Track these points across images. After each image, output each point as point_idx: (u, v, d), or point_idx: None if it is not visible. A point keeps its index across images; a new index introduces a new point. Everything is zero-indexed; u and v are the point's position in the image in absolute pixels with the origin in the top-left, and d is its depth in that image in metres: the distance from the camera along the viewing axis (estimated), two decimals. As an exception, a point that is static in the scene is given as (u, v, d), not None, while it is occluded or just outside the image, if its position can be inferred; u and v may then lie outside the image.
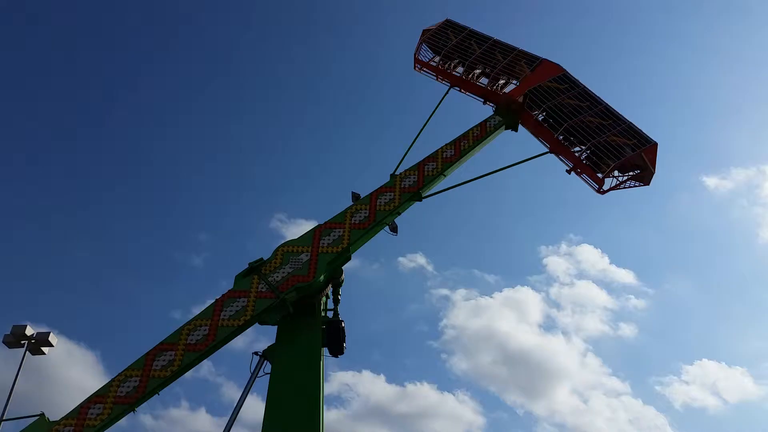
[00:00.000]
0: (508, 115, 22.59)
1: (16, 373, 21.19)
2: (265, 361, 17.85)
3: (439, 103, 23.11)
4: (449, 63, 25.09)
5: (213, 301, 17.32)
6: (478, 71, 24.56)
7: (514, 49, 24.17)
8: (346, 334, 18.79)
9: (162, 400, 16.66)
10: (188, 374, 16.62)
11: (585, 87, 22.57)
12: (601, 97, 22.16)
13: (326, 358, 18.58)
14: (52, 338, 22.97)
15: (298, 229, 19.81)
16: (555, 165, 21.63)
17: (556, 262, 68.82)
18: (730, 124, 74.09)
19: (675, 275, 70.35)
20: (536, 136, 22.44)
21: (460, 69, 24.92)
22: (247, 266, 18.04)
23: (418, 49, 25.58)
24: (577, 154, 21.80)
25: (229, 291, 17.48)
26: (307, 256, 18.43)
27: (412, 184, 19.83)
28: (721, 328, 68.11)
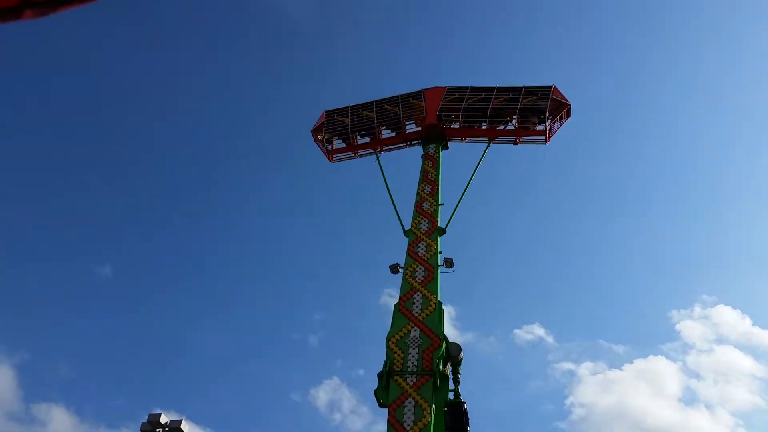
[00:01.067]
0: (437, 139, 25.24)
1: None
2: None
3: (382, 170, 24.17)
4: (354, 139, 26.87)
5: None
6: (382, 128, 26.89)
7: (396, 97, 27.38)
8: (468, 415, 17.97)
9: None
10: None
11: (471, 86, 26.33)
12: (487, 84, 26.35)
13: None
14: (184, 425, 23.88)
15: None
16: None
17: (690, 327, 62.63)
18: None
19: None
20: (469, 138, 25.53)
21: (367, 138, 26.75)
22: (377, 378, 17.74)
23: (323, 145, 26.95)
24: (508, 129, 25.19)
25: (391, 404, 17.16)
26: (415, 329, 18.19)
27: (430, 226, 20.98)
28: None
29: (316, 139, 27.87)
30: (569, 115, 25.13)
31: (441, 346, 17.41)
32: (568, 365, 65.17)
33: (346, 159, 27.78)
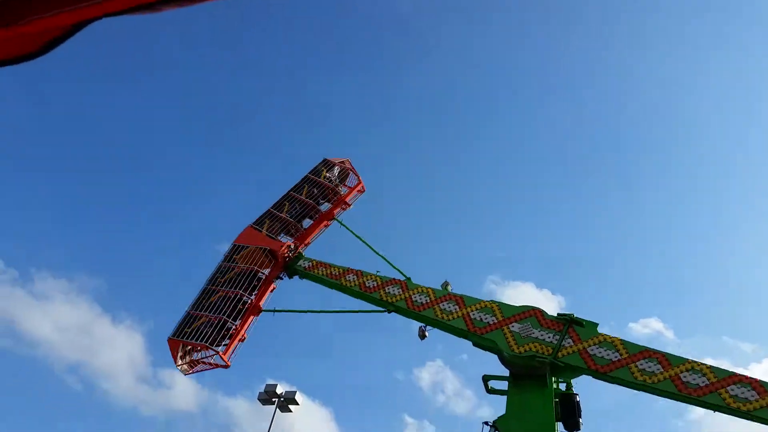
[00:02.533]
0: (287, 270, 26.40)
1: (268, 428, 23.23)
2: (495, 430, 17.37)
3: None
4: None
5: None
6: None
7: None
8: (581, 408, 17.53)
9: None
10: None
11: (268, 210, 28.26)
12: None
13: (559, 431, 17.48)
14: (299, 397, 25.04)
15: (513, 291, 19.87)
16: None
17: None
18: None
19: None
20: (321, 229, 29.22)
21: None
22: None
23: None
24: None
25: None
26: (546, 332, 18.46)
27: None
28: None
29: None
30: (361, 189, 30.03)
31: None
32: (689, 364, 61.70)
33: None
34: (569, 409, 17.52)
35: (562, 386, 18.36)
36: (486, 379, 18.77)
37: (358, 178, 29.82)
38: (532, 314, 18.99)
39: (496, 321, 19.36)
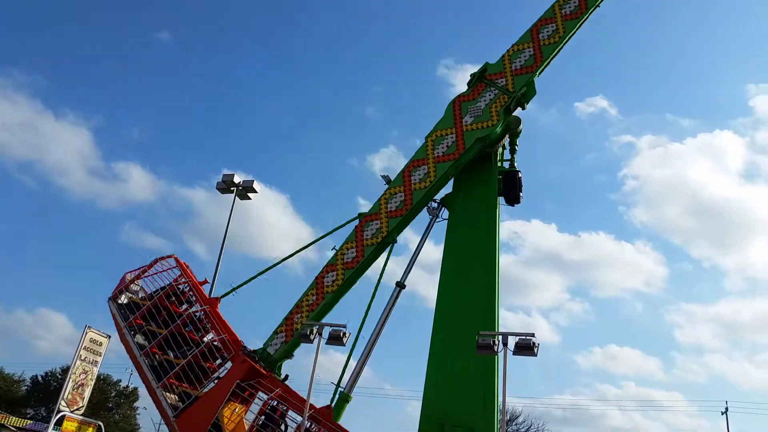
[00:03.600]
0: None
1: (229, 215, 24.21)
2: (443, 208, 18.75)
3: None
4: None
5: (400, 171, 18.71)
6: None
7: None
8: (522, 184, 18.84)
9: (344, 238, 18.66)
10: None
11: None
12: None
13: (501, 207, 18.96)
14: (256, 185, 25.81)
15: (465, 75, 19.56)
16: None
17: (766, 102, 59.85)
18: None
19: None
20: None
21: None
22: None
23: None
24: None
25: (412, 162, 18.52)
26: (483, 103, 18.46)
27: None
28: None
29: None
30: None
31: (489, 132, 17.98)
32: (628, 138, 64.39)
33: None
34: (510, 184, 18.77)
35: (506, 165, 19.46)
36: None
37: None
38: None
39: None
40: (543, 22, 19.06)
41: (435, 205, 18.76)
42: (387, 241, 18.13)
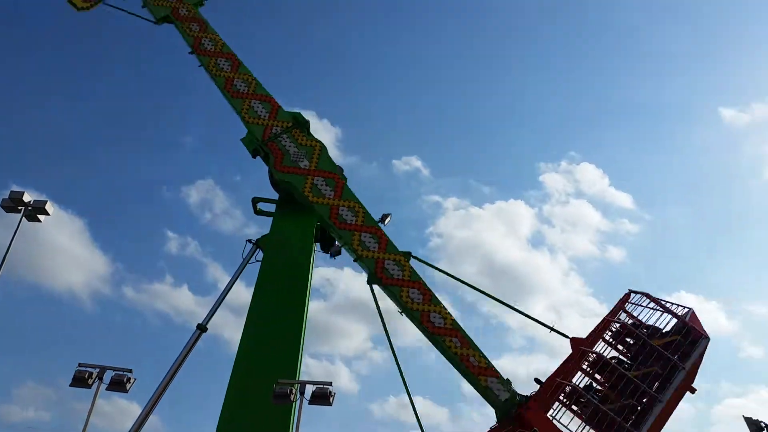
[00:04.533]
0: None
1: (12, 237, 21.42)
2: (258, 250, 18.26)
3: None
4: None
5: None
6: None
7: None
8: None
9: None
10: (174, 250, 17.34)
11: None
12: None
13: (317, 254, 18.99)
14: (49, 207, 23.07)
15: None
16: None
17: (554, 179, 68.98)
18: (756, 57, 71.07)
19: (674, 204, 69.79)
20: None
21: None
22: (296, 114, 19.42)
23: None
24: None
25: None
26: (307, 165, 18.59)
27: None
28: (707, 261, 68.34)
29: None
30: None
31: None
32: (436, 198, 69.84)
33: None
34: (328, 234, 18.92)
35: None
36: (255, 201, 19.26)
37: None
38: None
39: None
40: None
41: (250, 246, 18.23)
42: None
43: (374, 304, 17.19)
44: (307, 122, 19.34)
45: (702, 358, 15.87)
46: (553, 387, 15.66)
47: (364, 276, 17.31)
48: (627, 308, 17.51)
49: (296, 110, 19.53)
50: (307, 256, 18.39)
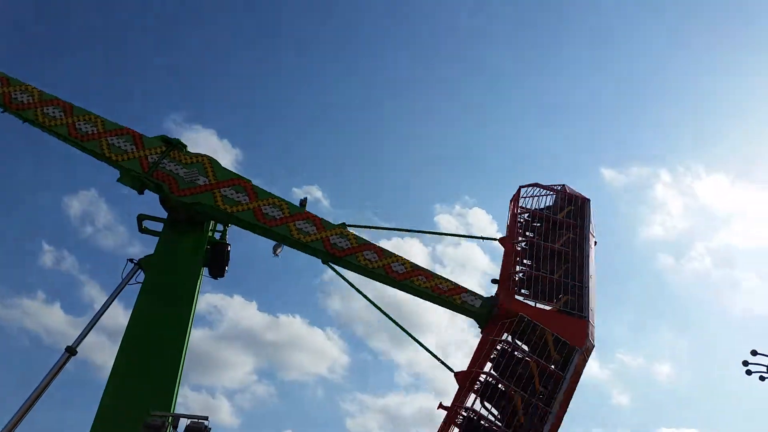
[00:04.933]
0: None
1: None
2: (140, 270, 17.35)
3: None
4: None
5: None
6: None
7: None
8: (230, 258, 18.66)
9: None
10: (49, 264, 16.08)
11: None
12: None
13: (204, 279, 18.42)
14: None
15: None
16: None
17: (447, 221, 71.42)
18: (636, 119, 77.58)
19: None
20: None
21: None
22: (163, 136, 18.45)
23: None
24: None
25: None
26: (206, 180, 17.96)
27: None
28: None
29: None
30: None
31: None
32: (335, 229, 70.02)
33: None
34: (218, 257, 18.41)
35: (217, 235, 19.10)
36: (141, 218, 18.30)
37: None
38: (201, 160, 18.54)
39: None
40: None
41: (131, 266, 17.32)
42: None
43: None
44: (178, 140, 18.52)
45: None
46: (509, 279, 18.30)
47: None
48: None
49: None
50: (193, 280, 17.68)
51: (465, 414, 15.68)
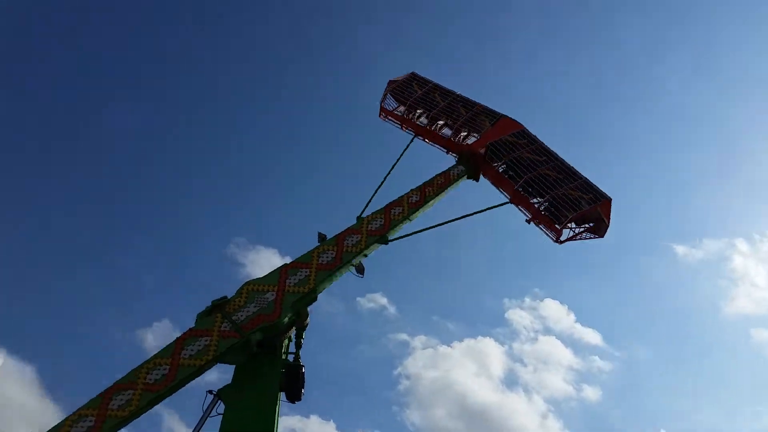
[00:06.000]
0: (470, 166, 23.87)
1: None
2: (219, 401, 17.31)
3: (404, 151, 24.15)
4: (413, 113, 26.45)
5: (173, 340, 16.72)
6: (441, 122, 26.01)
7: (475, 104, 25.84)
8: (305, 380, 18.46)
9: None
10: None
11: (542, 143, 24.23)
12: (558, 154, 23.85)
13: (282, 403, 18.19)
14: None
15: (257, 255, 19.96)
16: (520, 216, 22.63)
17: (519, 316, 68.35)
18: (707, 193, 75.13)
19: (639, 341, 70.14)
20: (497, 186, 23.82)
21: (424, 120, 26.25)
22: (210, 304, 17.60)
23: (384, 98, 26.97)
24: (536, 206, 22.90)
25: (190, 329, 16.93)
26: (272, 295, 18.12)
27: (379, 227, 20.19)
28: (679, 398, 67.53)
29: (386, 89, 27.10)
30: (597, 235, 22.56)
31: (273, 324, 17.35)
32: (403, 336, 68.22)
33: (390, 122, 26.71)
34: (293, 379, 18.22)
35: (290, 357, 19.04)
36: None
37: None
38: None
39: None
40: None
41: (211, 397, 17.34)
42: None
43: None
44: (222, 297, 17.70)
45: None
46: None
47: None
48: None
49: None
50: (272, 407, 17.51)
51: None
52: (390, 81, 27.39)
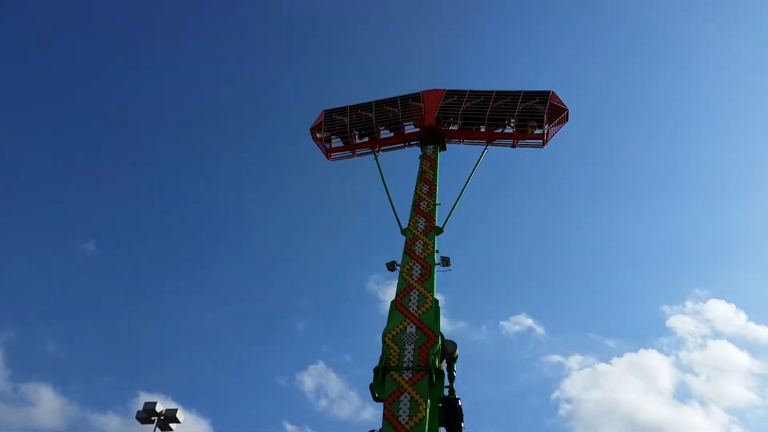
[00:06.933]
0: (435, 139, 25.89)
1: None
2: (382, 442, 17.31)
3: (380, 169, 25.00)
4: (353, 138, 27.72)
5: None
6: (381, 128, 27.61)
7: (395, 98, 28.12)
8: (463, 412, 18.04)
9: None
10: None
11: (470, 89, 26.92)
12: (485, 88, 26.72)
13: (442, 438, 17.83)
14: (180, 414, 23.91)
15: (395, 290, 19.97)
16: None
17: (683, 322, 62.00)
18: None
19: None
20: (467, 141, 26.04)
21: (365, 138, 27.59)
22: (373, 373, 17.81)
23: (321, 143, 27.76)
24: (508, 132, 25.43)
25: (387, 398, 17.13)
26: (412, 326, 18.18)
27: (427, 225, 21.36)
28: None
29: (314, 138, 28.97)
30: (566, 120, 25.61)
31: (437, 342, 17.41)
32: (557, 358, 64.76)
33: (344, 158, 28.66)
34: (451, 414, 17.86)
35: (446, 392, 18.74)
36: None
37: None
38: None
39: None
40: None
41: (374, 437, 17.44)
42: None
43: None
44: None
45: None
46: None
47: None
48: None
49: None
50: (434, 443, 17.23)
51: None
52: (311, 129, 28.35)
